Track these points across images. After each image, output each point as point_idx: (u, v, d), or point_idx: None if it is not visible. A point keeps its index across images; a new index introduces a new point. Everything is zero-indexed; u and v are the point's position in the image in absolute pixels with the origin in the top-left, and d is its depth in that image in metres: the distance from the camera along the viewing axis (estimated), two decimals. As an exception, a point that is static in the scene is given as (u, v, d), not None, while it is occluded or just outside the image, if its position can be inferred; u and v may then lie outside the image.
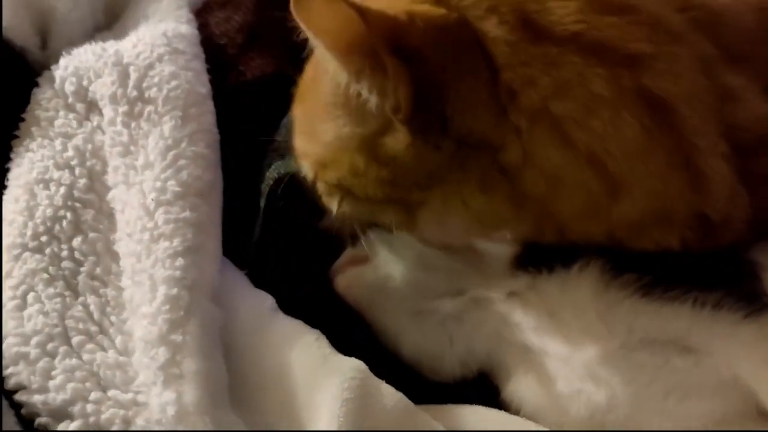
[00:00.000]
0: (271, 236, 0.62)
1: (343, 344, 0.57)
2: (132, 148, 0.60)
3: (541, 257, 0.55)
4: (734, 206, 0.48)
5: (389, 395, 0.50)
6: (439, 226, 0.53)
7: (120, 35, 0.76)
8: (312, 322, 0.58)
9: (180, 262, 0.53)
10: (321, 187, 0.54)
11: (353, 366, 0.51)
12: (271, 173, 0.64)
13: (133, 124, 0.62)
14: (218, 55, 0.74)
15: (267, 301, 0.57)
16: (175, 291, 0.51)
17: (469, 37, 0.45)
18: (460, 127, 0.45)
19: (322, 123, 0.51)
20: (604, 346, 0.51)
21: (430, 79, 0.44)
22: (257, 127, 0.70)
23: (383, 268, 0.60)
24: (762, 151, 0.48)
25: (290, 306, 0.59)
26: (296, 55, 0.83)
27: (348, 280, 0.61)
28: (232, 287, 0.57)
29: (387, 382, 0.54)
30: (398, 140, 0.47)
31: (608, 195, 0.48)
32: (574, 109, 0.45)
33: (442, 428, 0.50)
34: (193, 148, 0.60)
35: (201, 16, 0.79)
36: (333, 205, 0.53)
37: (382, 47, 0.42)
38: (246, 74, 0.75)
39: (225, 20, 0.79)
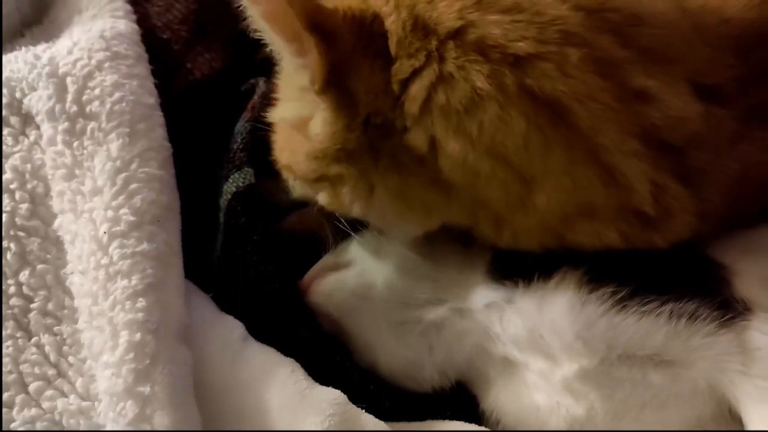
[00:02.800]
0: (234, 255, 0.59)
1: (314, 359, 0.56)
2: (77, 170, 0.56)
3: (517, 268, 0.54)
4: (671, 200, 0.49)
5: (370, 426, 0.49)
6: (367, 207, 0.52)
7: (52, 32, 0.70)
8: (281, 340, 0.56)
9: (141, 302, 0.49)
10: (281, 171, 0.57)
11: (331, 400, 0.50)
12: (229, 187, 0.61)
13: (75, 143, 0.57)
14: (163, 53, 0.69)
15: (236, 330, 0.54)
16: (138, 336, 0.48)
17: (377, 30, 0.49)
18: (366, 106, 0.49)
19: (281, 102, 0.56)
20: (583, 364, 0.50)
21: (341, 58, 0.48)
22: (210, 133, 0.66)
23: (366, 276, 0.58)
24: (695, 147, 0.49)
25: (258, 325, 0.57)
26: (245, 43, 0.78)
27: (329, 286, 0.58)
28: (199, 317, 0.54)
29: (361, 392, 0.54)
30: (319, 117, 0.51)
31: (520, 184, 0.49)
32: (459, 101, 0.47)
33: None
34: (144, 169, 0.55)
35: (139, 5, 0.73)
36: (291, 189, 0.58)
37: (302, 23, 0.46)
38: (195, 73, 0.70)
39: (166, 9, 0.74)
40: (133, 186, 0.54)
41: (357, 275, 0.58)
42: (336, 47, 0.47)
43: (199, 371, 0.50)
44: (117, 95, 0.58)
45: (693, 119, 0.48)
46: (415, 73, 0.48)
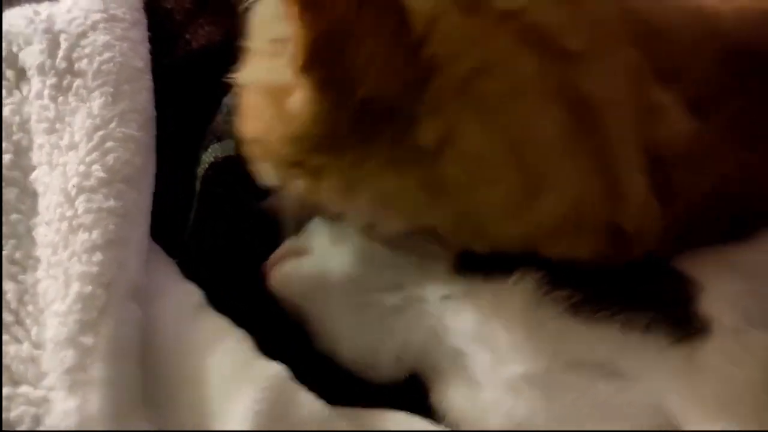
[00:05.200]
0: (205, 225, 0.60)
1: (273, 339, 0.56)
2: (58, 125, 0.57)
3: (479, 263, 0.53)
4: (647, 219, 0.48)
5: (307, 405, 0.49)
6: (346, 201, 0.49)
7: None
8: (243, 316, 0.57)
9: (98, 256, 0.50)
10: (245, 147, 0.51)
11: (272, 373, 0.50)
12: (207, 157, 0.61)
13: (60, 99, 0.58)
14: (165, 22, 0.70)
15: (194, 296, 0.55)
16: (89, 289, 0.48)
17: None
18: (368, 89, 0.42)
19: (254, 58, 0.49)
20: (529, 366, 0.50)
21: (337, 30, 0.41)
22: (199, 103, 0.67)
23: (322, 262, 0.58)
24: (680, 164, 0.48)
25: (222, 299, 0.57)
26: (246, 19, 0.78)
27: (284, 273, 0.58)
28: (158, 280, 0.54)
29: (317, 382, 0.53)
30: (299, 95, 0.44)
31: (529, 190, 0.46)
32: (500, 89, 0.43)
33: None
34: (123, 129, 0.56)
35: (148, -27, 0.74)
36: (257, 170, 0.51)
37: None
38: (192, 43, 0.70)
39: (172, -21, 0.75)
40: (109, 144, 0.55)
41: (316, 261, 0.58)
42: (328, 17, 0.41)
43: (150, 332, 0.51)
44: (106, 55, 0.59)
45: (689, 136, 0.47)
46: (455, 56, 0.42)
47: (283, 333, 0.58)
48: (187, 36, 0.70)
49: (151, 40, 0.66)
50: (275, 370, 0.50)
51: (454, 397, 0.54)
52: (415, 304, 0.56)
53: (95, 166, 0.54)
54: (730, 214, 0.52)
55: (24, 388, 0.48)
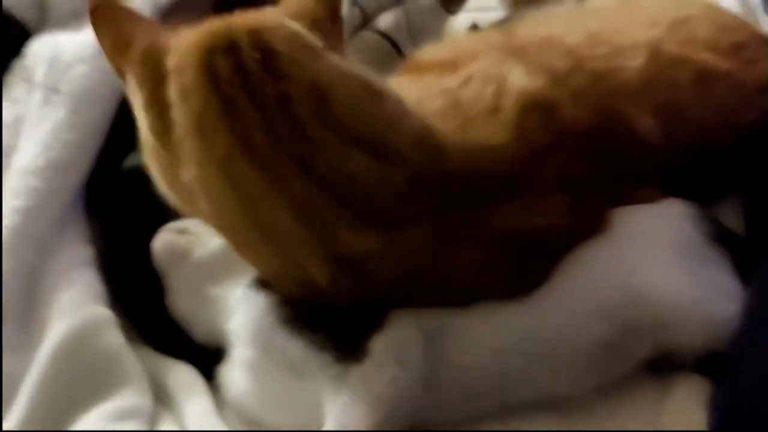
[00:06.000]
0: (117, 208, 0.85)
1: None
2: (36, 125, 0.84)
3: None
4: (338, 287, 0.62)
5: (109, 342, 0.71)
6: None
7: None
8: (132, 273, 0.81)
9: (18, 216, 0.76)
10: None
11: (94, 314, 0.72)
12: (127, 162, 0.86)
13: (43, 108, 0.85)
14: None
15: (83, 254, 0.79)
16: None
17: None
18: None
19: None
20: (251, 353, 0.68)
21: None
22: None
23: (194, 243, 0.78)
24: (372, 261, 0.62)
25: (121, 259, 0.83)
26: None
27: (164, 240, 0.80)
28: (63, 238, 0.79)
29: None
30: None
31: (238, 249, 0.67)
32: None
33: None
34: (67, 134, 0.82)
35: (165, 20, 0.99)
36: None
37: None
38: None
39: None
40: (52, 143, 0.81)
41: (190, 240, 0.79)
42: None
43: (42, 273, 0.76)
44: (80, 82, 0.85)
45: (370, 246, 0.61)
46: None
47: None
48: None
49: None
50: (99, 313, 0.73)
51: (224, 371, 0.73)
52: (222, 300, 0.76)
53: (40, 157, 0.81)
54: (437, 291, 0.66)
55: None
